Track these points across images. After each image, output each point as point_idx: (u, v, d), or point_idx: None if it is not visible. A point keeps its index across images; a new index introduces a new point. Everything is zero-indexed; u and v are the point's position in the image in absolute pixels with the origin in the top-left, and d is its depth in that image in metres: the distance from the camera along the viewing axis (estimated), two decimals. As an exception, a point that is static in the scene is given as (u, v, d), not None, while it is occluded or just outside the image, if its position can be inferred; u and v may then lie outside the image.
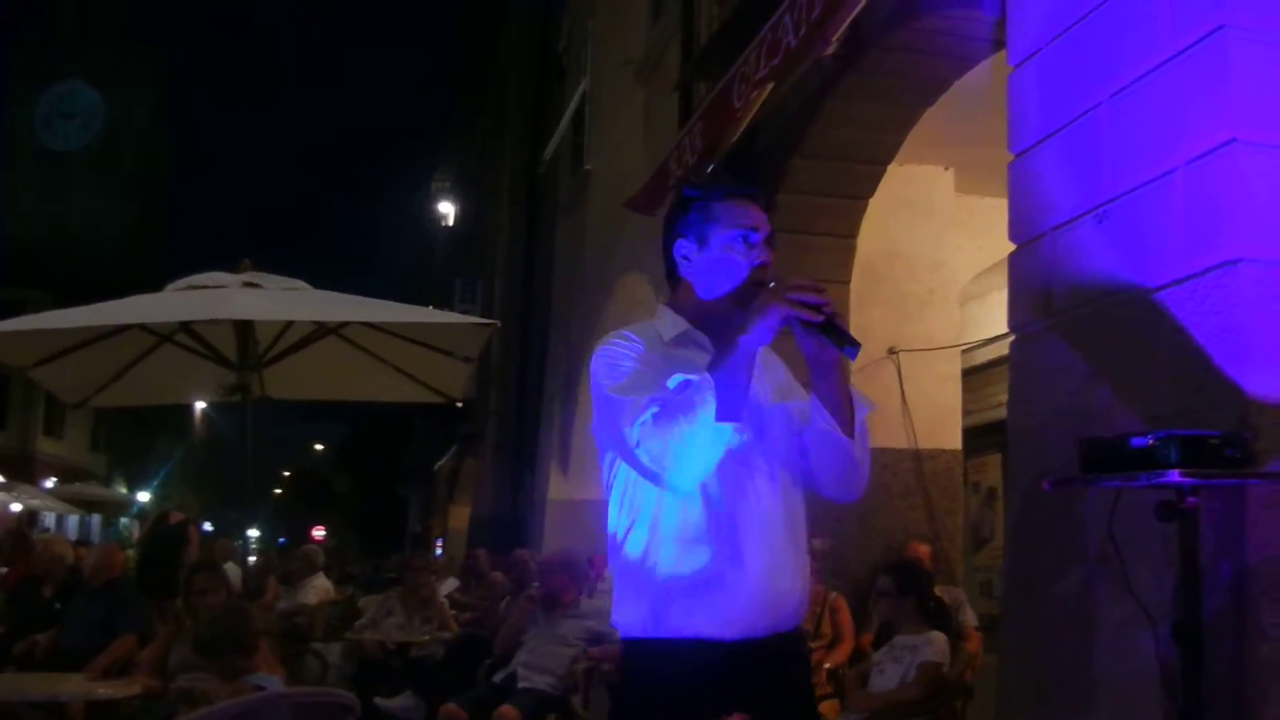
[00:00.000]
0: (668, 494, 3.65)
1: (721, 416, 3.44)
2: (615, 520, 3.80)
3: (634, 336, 3.84)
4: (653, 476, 3.57)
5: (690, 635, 3.62)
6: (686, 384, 3.50)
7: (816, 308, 3.50)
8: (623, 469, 3.76)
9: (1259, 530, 4.74)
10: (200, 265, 9.34)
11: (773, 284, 3.65)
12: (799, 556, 3.85)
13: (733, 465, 3.67)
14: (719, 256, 3.83)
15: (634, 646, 3.77)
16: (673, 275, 3.99)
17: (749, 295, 3.72)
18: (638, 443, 3.49)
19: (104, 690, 8.41)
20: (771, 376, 3.98)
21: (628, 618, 3.76)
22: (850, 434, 3.79)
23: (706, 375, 3.48)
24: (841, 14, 8.31)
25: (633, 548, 3.71)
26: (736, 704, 3.55)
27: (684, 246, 3.90)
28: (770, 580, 3.70)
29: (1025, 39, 6.67)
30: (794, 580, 3.80)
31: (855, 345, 3.55)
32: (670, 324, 3.91)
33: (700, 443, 3.45)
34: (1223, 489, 4.67)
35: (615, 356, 3.76)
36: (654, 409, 3.48)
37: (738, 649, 3.63)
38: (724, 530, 3.65)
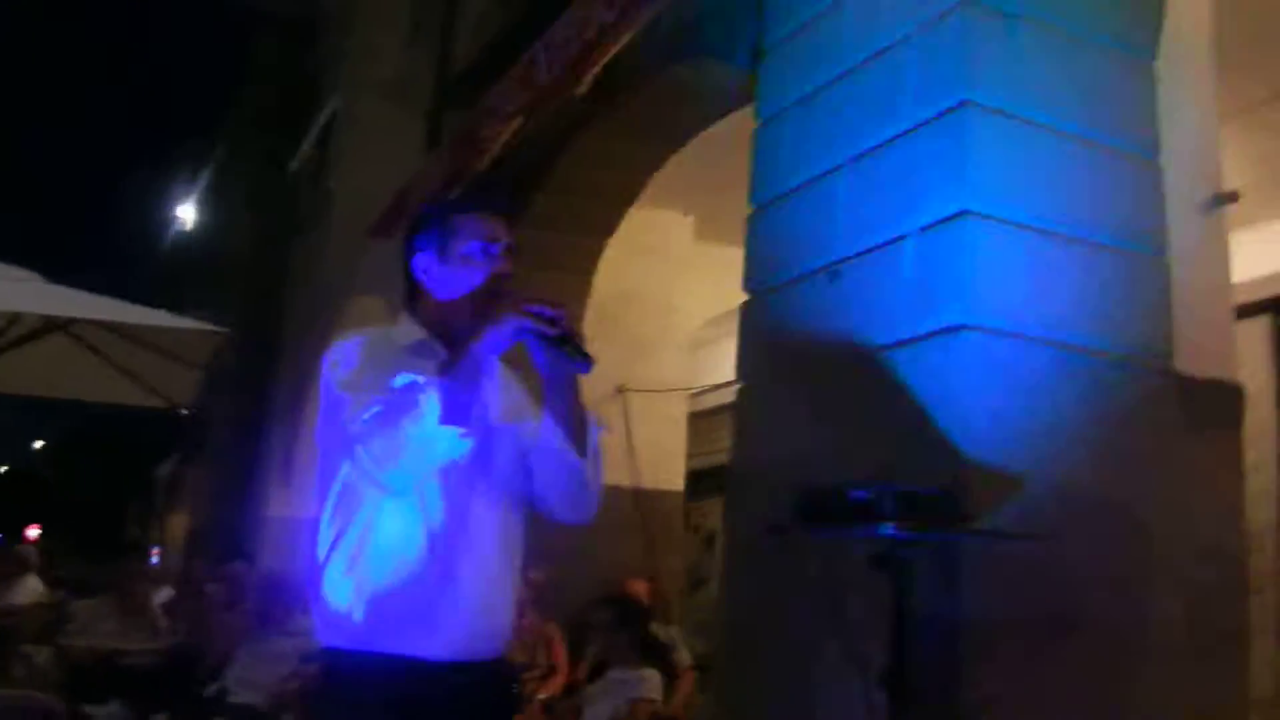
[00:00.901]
0: (384, 505, 3.56)
1: (446, 419, 3.38)
2: (327, 524, 3.69)
3: (367, 336, 3.80)
4: (370, 476, 3.47)
5: (394, 652, 3.54)
6: (413, 384, 3.43)
7: (551, 320, 3.50)
8: (342, 472, 3.64)
9: (969, 586, 4.92)
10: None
11: (510, 295, 3.63)
12: (512, 582, 3.83)
13: (453, 483, 3.63)
14: (458, 268, 3.81)
15: (336, 657, 3.65)
16: (412, 291, 3.93)
17: (487, 305, 3.66)
18: (358, 438, 3.42)
19: None
20: (506, 396, 3.92)
21: (331, 626, 3.63)
22: (583, 453, 3.79)
23: (433, 377, 3.43)
24: (596, 55, 8.42)
25: (342, 555, 3.61)
26: None
27: (423, 260, 3.86)
28: (482, 604, 3.67)
29: (775, 96, 6.84)
30: (505, 606, 3.79)
31: (589, 360, 3.58)
32: (407, 331, 3.86)
33: (422, 444, 3.39)
34: (936, 544, 4.83)
35: (346, 353, 3.70)
36: (377, 408, 3.42)
37: (443, 671, 3.57)
38: (438, 549, 3.58)
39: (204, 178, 42.67)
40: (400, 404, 3.39)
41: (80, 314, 9.45)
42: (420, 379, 3.43)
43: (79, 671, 12.23)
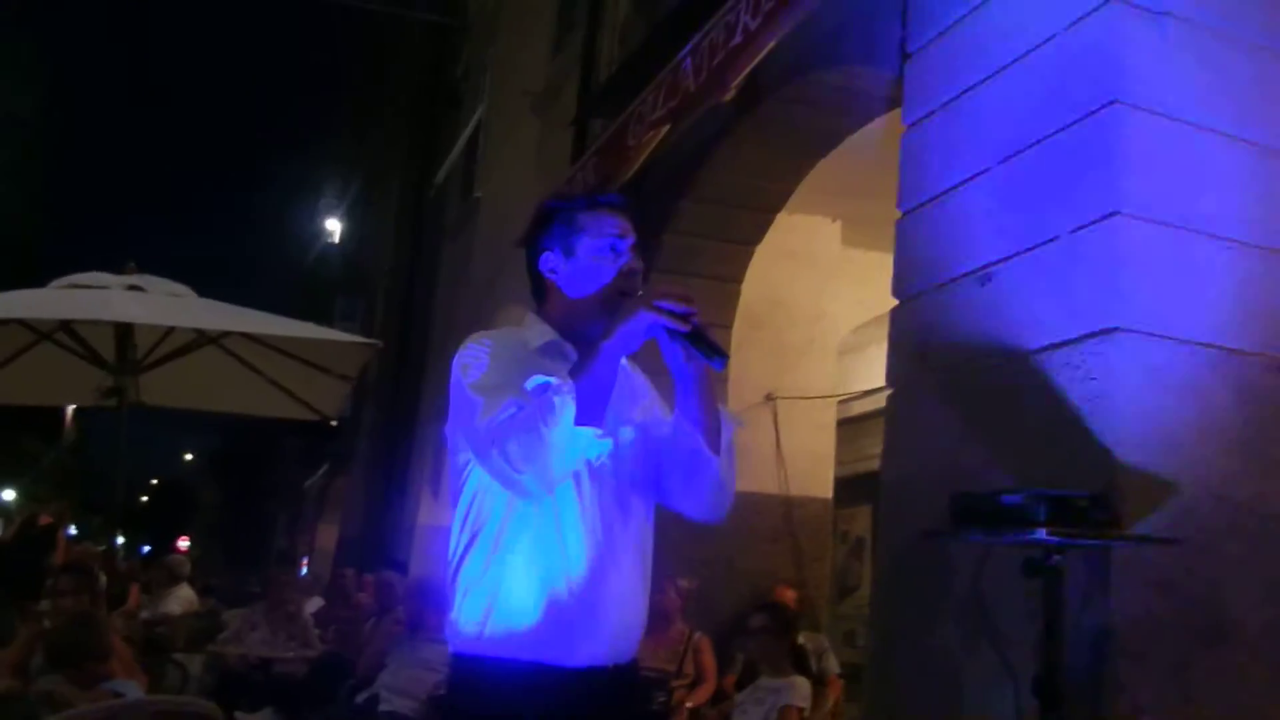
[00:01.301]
0: (517, 509, 3.51)
1: (581, 420, 3.33)
2: (459, 528, 3.65)
3: (499, 338, 3.75)
4: (506, 479, 3.41)
5: (529, 659, 3.48)
6: (546, 386, 3.37)
7: (684, 316, 3.42)
8: (474, 475, 3.61)
9: (1121, 591, 4.86)
10: (80, 265, 9.26)
11: (641, 292, 3.60)
12: (645, 583, 3.74)
13: (586, 485, 3.58)
14: (587, 266, 3.75)
15: (468, 663, 3.60)
16: (539, 289, 3.88)
17: (616, 303, 3.61)
18: (493, 442, 3.36)
19: (-40, 690, 8.27)
20: (636, 395, 3.86)
21: (464, 631, 3.58)
22: (716, 451, 3.69)
23: (568, 379, 3.37)
24: (742, 62, 8.41)
25: (475, 559, 3.57)
26: None
27: (550, 260, 3.81)
28: (617, 609, 3.59)
29: (921, 100, 6.79)
30: (638, 610, 3.71)
31: (723, 356, 3.47)
32: (538, 333, 3.79)
33: (557, 446, 3.32)
34: (1087, 549, 4.78)
35: (478, 355, 3.64)
36: (512, 409, 3.36)
37: (579, 677, 3.51)
38: (573, 552, 3.53)
39: (352, 190, 43.10)
40: (535, 406, 3.34)
41: (232, 328, 9.58)
42: (554, 380, 3.37)
43: (231, 679, 12.38)
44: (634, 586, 3.68)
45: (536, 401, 3.35)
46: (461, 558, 3.61)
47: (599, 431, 3.44)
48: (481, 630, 3.53)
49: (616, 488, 3.66)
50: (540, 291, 3.88)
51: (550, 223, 3.84)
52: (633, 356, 3.69)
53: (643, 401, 3.88)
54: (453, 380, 3.64)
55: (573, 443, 3.36)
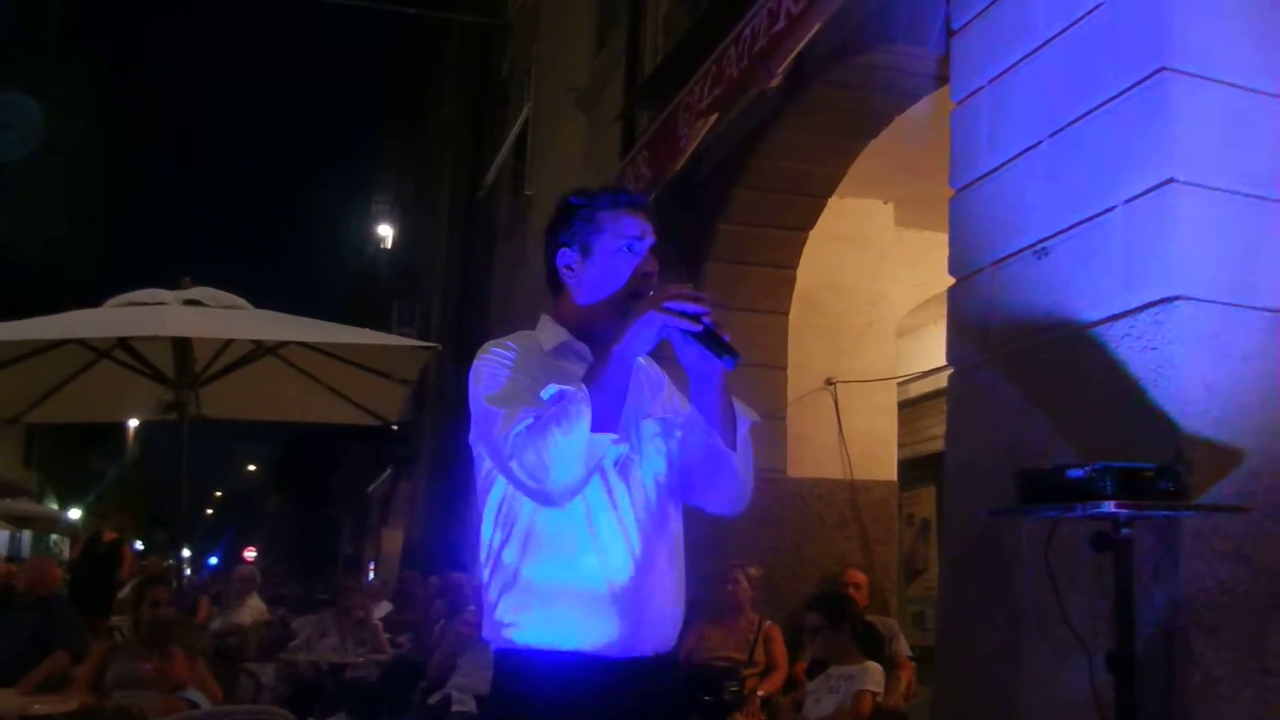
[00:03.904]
0: (543, 509, 3.56)
1: (597, 427, 3.39)
2: (490, 531, 3.72)
3: (513, 345, 3.77)
4: (528, 490, 3.48)
5: (570, 649, 3.54)
6: (561, 395, 3.44)
7: (695, 316, 3.44)
8: (500, 481, 3.66)
9: (1191, 562, 4.82)
10: (137, 282, 9.33)
11: (651, 292, 3.59)
12: (676, 573, 3.78)
13: (610, 478, 3.63)
14: (603, 265, 3.79)
15: (509, 658, 3.66)
16: (555, 284, 3.92)
17: (628, 304, 3.65)
18: (511, 454, 3.41)
19: (40, 706, 8.32)
20: (654, 389, 3.91)
21: (503, 629, 3.64)
22: (733, 446, 3.72)
23: (582, 386, 3.42)
24: (786, 47, 8.37)
25: (509, 560, 3.62)
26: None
27: (567, 255, 3.84)
28: (655, 598, 3.66)
29: (968, 76, 6.75)
30: (672, 597, 3.75)
31: (735, 355, 3.48)
32: (551, 334, 3.85)
33: (575, 454, 3.38)
34: (1156, 521, 4.75)
35: (493, 366, 3.69)
36: (529, 420, 3.42)
37: (622, 666, 3.57)
38: (606, 546, 3.59)
39: (403, 194, 43.24)
40: (550, 416, 3.40)
41: (290, 338, 9.62)
42: (568, 389, 3.43)
43: (303, 686, 12.46)
44: (669, 575, 3.73)
45: (552, 411, 3.41)
46: (496, 559, 3.67)
47: (615, 436, 3.49)
48: (522, 626, 3.59)
49: (644, 480, 3.72)
50: (555, 286, 3.92)
51: (571, 219, 3.87)
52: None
53: (661, 395, 3.93)
54: (470, 393, 3.69)
55: (589, 449, 3.41)
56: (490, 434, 3.52)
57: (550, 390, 3.49)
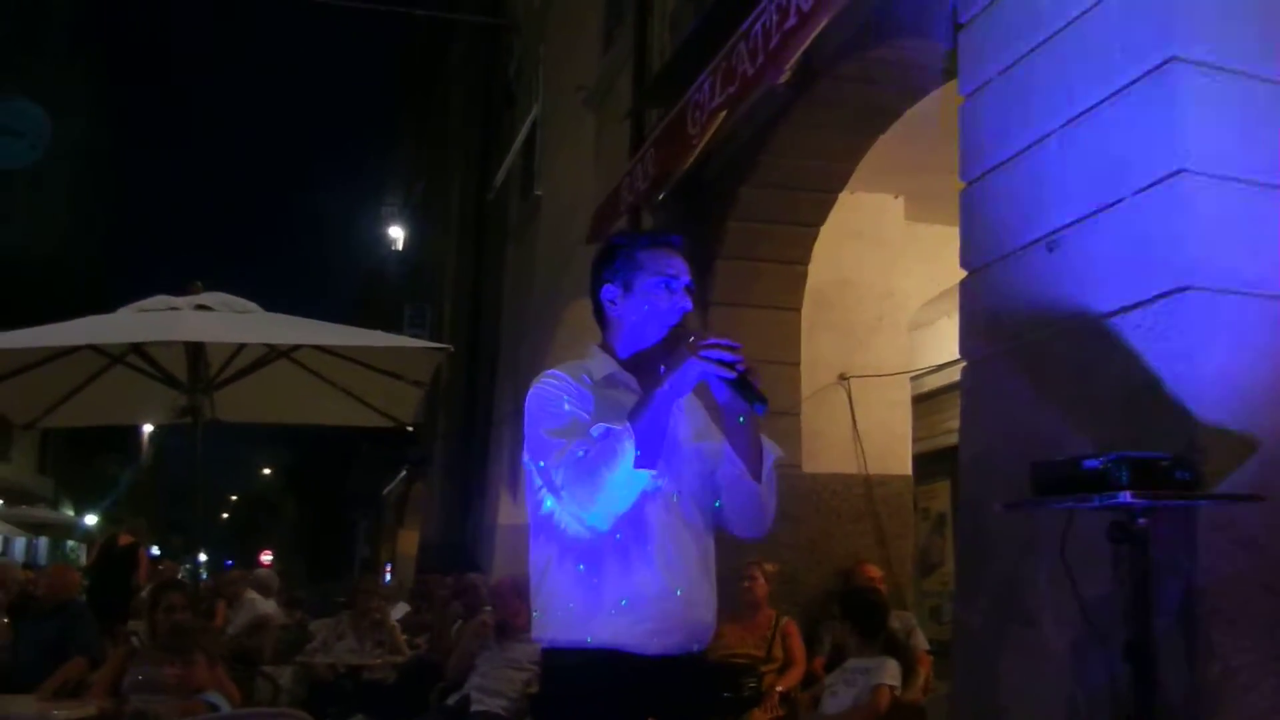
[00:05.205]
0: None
1: (641, 464, 3.78)
2: (541, 544, 4.10)
3: (566, 377, 4.13)
4: (575, 516, 3.91)
5: (609, 646, 3.90)
6: (609, 432, 3.82)
7: (731, 365, 3.79)
8: (549, 500, 4.03)
9: (1208, 551, 4.81)
10: (147, 287, 9.35)
11: (692, 339, 3.92)
12: (709, 581, 4.15)
13: (653, 495, 3.98)
14: (643, 301, 4.17)
15: (555, 656, 4.06)
16: (600, 317, 4.32)
17: (672, 343, 4.06)
18: (563, 484, 3.84)
19: (58, 712, 8.33)
20: (692, 419, 4.25)
21: (551, 630, 4.03)
22: (759, 479, 4.10)
23: (628, 424, 3.80)
24: (795, 43, 8.36)
25: (559, 566, 4.01)
26: (652, 713, 3.93)
27: (610, 291, 4.24)
28: (685, 601, 4.00)
29: (977, 69, 6.74)
30: (706, 602, 4.12)
31: (764, 402, 3.83)
32: (600, 365, 4.24)
33: (619, 486, 3.79)
34: (1172, 510, 4.74)
35: (550, 398, 4.07)
36: (579, 454, 3.82)
37: (660, 664, 3.93)
38: (643, 553, 3.95)
39: (413, 197, 43.19)
40: (599, 453, 3.80)
41: (303, 341, 9.64)
42: (616, 427, 3.81)
43: (321, 688, 12.45)
44: (700, 583, 4.11)
45: (600, 446, 3.82)
46: (545, 569, 4.07)
47: (654, 472, 3.88)
48: (571, 628, 3.98)
49: (684, 502, 4.11)
50: (602, 321, 4.35)
51: (614, 258, 4.28)
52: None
53: (699, 426, 4.30)
54: (527, 419, 4.10)
55: (630, 483, 3.83)
56: (546, 462, 3.95)
57: (599, 428, 3.87)
